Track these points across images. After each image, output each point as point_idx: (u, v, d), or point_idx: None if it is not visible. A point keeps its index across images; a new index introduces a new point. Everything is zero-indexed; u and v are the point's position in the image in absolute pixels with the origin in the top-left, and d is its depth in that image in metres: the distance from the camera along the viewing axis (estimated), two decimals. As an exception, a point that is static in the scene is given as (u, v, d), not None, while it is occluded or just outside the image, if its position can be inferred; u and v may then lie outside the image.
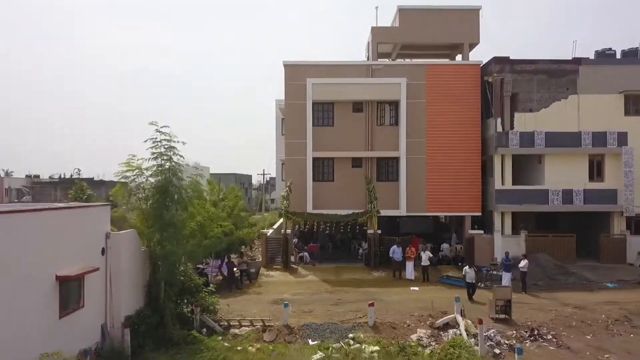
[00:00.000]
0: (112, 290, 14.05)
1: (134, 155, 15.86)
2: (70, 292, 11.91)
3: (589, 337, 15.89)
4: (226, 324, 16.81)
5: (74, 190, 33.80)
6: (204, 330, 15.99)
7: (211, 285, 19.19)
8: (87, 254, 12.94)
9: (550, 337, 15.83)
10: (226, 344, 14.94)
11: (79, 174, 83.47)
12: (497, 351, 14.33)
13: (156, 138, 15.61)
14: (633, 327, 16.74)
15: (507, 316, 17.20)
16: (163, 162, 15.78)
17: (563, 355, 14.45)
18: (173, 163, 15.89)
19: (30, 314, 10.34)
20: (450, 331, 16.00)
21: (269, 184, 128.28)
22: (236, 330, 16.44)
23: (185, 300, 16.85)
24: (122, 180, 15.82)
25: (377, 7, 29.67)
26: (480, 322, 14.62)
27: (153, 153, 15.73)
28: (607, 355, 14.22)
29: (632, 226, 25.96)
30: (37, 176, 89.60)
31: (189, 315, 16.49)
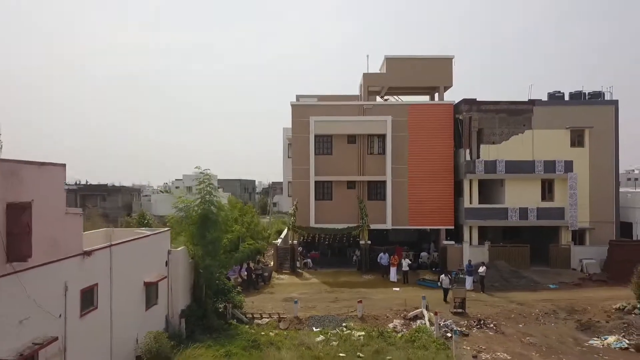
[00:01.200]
0: (172, 291, 19.32)
1: (183, 196, 21.17)
2: (150, 293, 17.20)
3: (520, 325, 21.14)
4: (250, 316, 22.11)
5: (137, 216, 39.00)
6: (234, 320, 21.23)
7: (238, 287, 24.49)
8: (158, 266, 18.21)
9: (492, 325, 21.06)
10: (252, 331, 20.22)
11: (85, 182, 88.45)
12: (448, 334, 19.57)
13: (200, 178, 20.92)
14: (557, 319, 22.00)
15: (462, 310, 22.47)
16: (204, 196, 21.05)
17: (497, 338, 19.70)
18: (211, 197, 21.16)
19: (132, 306, 15.64)
20: (418, 321, 21.23)
21: (271, 188, 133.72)
22: (258, 321, 21.72)
23: (220, 299, 22.11)
24: (178, 212, 20.92)
25: (367, 55, 35.20)
26: (436, 314, 19.93)
27: (198, 190, 21.04)
28: (529, 337, 19.50)
29: (576, 238, 31.28)
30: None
31: (223, 309, 21.74)
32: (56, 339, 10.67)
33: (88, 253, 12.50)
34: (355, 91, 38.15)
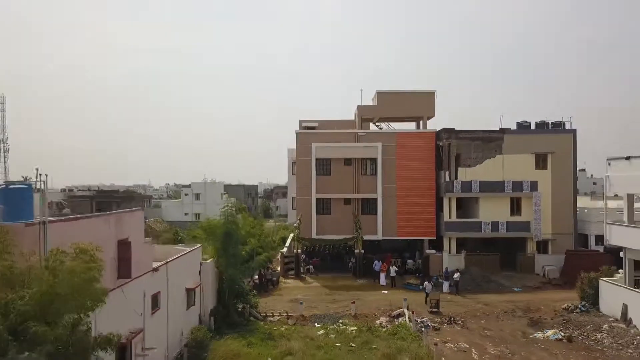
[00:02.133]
0: (203, 295, 24.10)
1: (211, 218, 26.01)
2: (190, 297, 21.97)
3: (482, 322, 25.89)
4: (264, 314, 26.88)
5: (173, 233, 43.68)
6: (251, 318, 25.99)
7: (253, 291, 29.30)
8: (194, 275, 22.99)
9: (460, 322, 25.80)
10: (266, 326, 24.99)
11: (97, 188, 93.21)
12: (423, 329, 24.35)
13: (226, 205, 25.72)
14: (513, 317, 26.75)
15: (437, 310, 27.24)
16: (227, 217, 25.82)
17: (462, 332, 24.44)
18: (234, 218, 25.94)
19: (179, 307, 20.42)
20: (400, 319, 26.01)
21: (273, 192, 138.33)
22: (271, 318, 26.47)
23: (239, 300, 26.84)
24: (207, 230, 25.68)
25: (361, 90, 40.01)
26: (413, 312, 24.76)
27: (222, 212, 25.85)
28: (487, 331, 24.27)
29: (540, 247, 36.08)
30: (71, 190, 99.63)
31: (242, 309, 26.48)
32: (142, 330, 15.47)
33: (155, 269, 17.29)
34: (353, 95, 42.86)
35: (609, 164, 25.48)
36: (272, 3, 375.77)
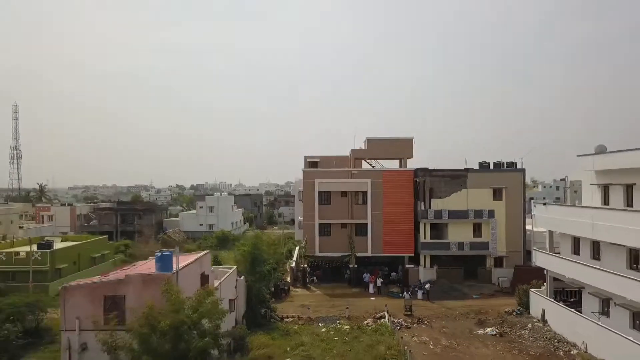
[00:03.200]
0: (238, 303, 32.83)
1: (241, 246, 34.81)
2: (231, 305, 30.66)
3: (443, 322, 34.60)
4: (281, 316, 35.62)
5: (197, 245, 51.95)
6: (272, 320, 34.72)
7: (272, 299, 38.03)
8: (232, 288, 31.71)
9: (426, 322, 34.51)
10: (283, 325, 33.72)
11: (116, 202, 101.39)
12: (397, 327, 33.09)
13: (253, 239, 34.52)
14: (467, 318, 35.43)
15: (410, 313, 36.00)
16: (255, 244, 34.60)
17: (426, 329, 33.12)
18: (258, 248, 34.71)
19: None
20: (382, 320, 34.79)
21: (277, 201, 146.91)
22: (286, 319, 35.21)
23: (262, 306, 35.50)
24: (240, 255, 34.48)
25: (355, 136, 48.83)
26: (390, 315, 33.57)
27: (251, 243, 34.62)
28: (444, 329, 32.98)
29: (496, 262, 44.88)
30: (97, 202, 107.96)
31: (264, 313, 35.14)
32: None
33: (216, 288, 26.02)
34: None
35: (534, 206, 34.34)
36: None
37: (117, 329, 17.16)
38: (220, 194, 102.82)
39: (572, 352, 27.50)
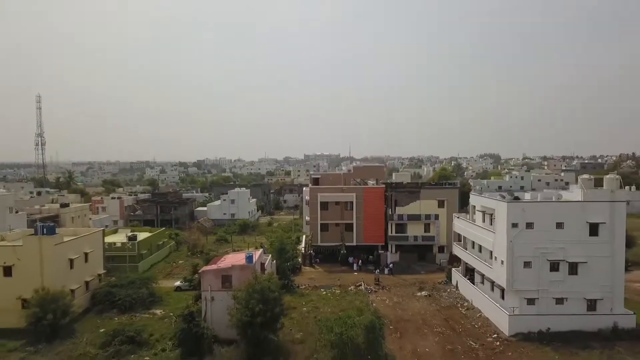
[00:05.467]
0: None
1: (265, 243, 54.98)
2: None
3: (398, 288, 54.86)
4: (298, 285, 55.80)
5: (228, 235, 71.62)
6: (292, 287, 54.81)
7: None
8: (270, 268, 51.66)
9: (387, 289, 54.82)
10: (299, 291, 53.93)
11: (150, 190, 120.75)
12: (369, 292, 53.30)
13: (276, 238, 54.51)
14: (413, 286, 55.73)
15: (378, 283, 56.24)
16: (282, 241, 54.65)
17: (387, 293, 53.20)
18: (284, 243, 54.77)
19: (268, 283, 49.39)
20: (360, 287, 55.07)
21: (282, 189, 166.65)
22: (301, 287, 55.51)
23: (285, 278, 55.45)
24: (272, 246, 54.72)
25: (349, 162, 68.00)
26: (365, 284, 53.96)
27: (279, 241, 54.67)
28: (397, 292, 53.28)
29: (440, 249, 65.10)
30: (136, 194, 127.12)
31: (287, 283, 55.08)
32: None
33: (265, 268, 46.02)
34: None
35: (456, 217, 54.37)
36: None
37: (228, 290, 37.05)
38: (235, 185, 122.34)
39: (464, 304, 47.93)
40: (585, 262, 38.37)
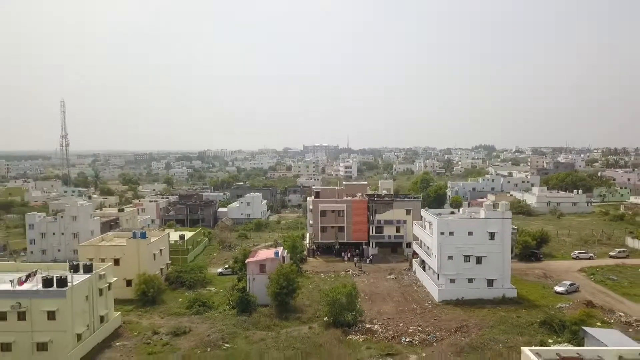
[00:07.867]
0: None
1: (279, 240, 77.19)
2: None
3: (374, 274, 76.81)
4: (304, 271, 77.81)
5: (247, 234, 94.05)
6: (299, 271, 76.77)
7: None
8: (285, 258, 73.66)
9: (367, 273, 76.87)
10: (305, 274, 75.97)
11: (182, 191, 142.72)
12: (353, 276, 75.32)
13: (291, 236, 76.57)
14: (385, 272, 77.76)
15: (361, 270, 78.26)
16: (294, 239, 76.70)
17: (367, 276, 75.11)
18: (294, 241, 76.83)
19: (285, 269, 71.53)
20: (348, 272, 77.09)
21: (287, 191, 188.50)
22: (309, 273, 77.60)
23: (297, 265, 77.31)
24: (286, 243, 76.95)
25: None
26: (352, 270, 76.22)
27: (290, 239, 76.73)
28: (374, 276, 75.35)
29: (407, 245, 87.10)
30: (167, 196, 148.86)
31: (298, 269, 76.97)
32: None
33: (284, 259, 68.01)
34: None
35: (415, 224, 76.55)
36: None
37: (263, 274, 59.09)
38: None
39: (417, 284, 70.07)
40: (486, 256, 60.37)
